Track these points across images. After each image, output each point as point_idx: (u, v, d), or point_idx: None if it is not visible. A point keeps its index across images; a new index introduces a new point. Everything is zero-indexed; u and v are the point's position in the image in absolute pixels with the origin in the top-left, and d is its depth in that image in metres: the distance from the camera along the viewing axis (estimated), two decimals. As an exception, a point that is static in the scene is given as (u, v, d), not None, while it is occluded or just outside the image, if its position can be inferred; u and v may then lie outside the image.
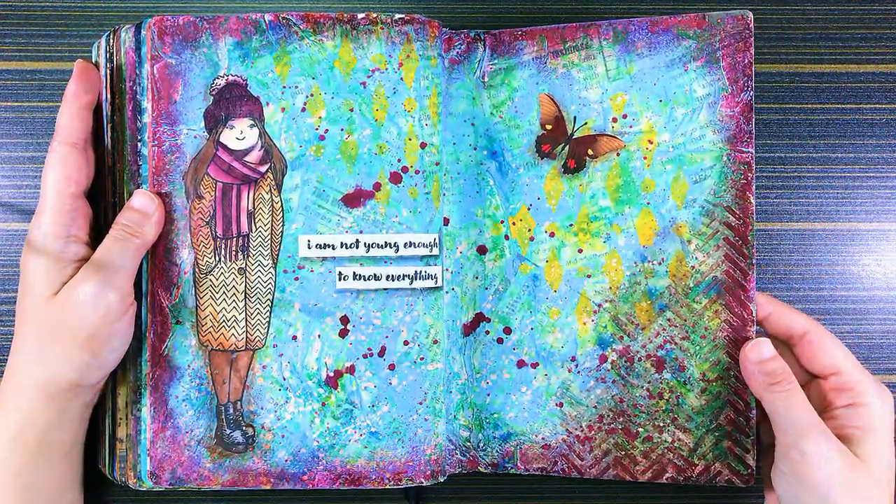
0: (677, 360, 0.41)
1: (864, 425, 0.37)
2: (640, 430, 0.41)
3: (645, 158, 0.41)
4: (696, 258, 0.40)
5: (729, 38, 0.40)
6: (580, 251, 0.41)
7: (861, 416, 0.37)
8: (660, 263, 0.41)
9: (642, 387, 0.41)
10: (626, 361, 0.41)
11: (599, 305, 0.41)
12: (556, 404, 0.41)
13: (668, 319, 0.41)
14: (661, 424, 0.41)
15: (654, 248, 0.41)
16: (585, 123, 0.41)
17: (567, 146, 0.41)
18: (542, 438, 0.42)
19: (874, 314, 0.45)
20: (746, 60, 0.40)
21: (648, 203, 0.41)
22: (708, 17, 0.40)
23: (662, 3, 0.45)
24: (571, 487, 0.45)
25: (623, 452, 0.41)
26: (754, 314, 0.40)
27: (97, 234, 0.40)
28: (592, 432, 0.41)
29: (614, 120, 0.41)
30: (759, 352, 0.38)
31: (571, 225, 0.41)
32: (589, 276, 0.41)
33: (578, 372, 0.41)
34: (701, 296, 0.40)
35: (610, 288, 0.41)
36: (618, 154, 0.41)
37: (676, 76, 0.40)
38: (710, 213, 0.40)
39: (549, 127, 0.41)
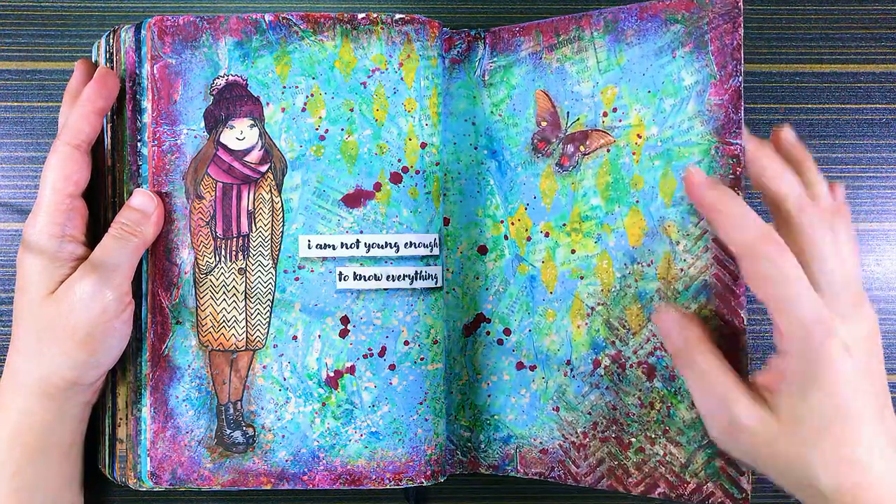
0: (668, 369, 0.39)
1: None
2: (633, 440, 0.39)
3: (634, 154, 0.39)
4: (685, 260, 0.38)
5: (717, 18, 0.38)
6: (573, 251, 0.41)
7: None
8: (649, 265, 0.39)
9: (634, 395, 0.40)
10: (618, 367, 0.40)
11: (592, 308, 0.40)
12: (553, 408, 0.41)
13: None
14: (653, 436, 0.39)
15: (643, 249, 0.39)
16: (578, 119, 0.40)
17: (560, 143, 0.41)
18: (540, 443, 0.41)
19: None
20: (735, 43, 0.37)
21: (637, 201, 0.39)
22: None
23: None
24: (570, 494, 0.45)
25: (616, 462, 0.40)
26: (745, 322, 0.37)
27: (95, 234, 0.40)
28: (587, 439, 0.40)
29: (605, 114, 0.40)
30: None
31: (564, 224, 0.41)
32: (582, 278, 0.40)
33: (574, 376, 0.41)
34: (690, 300, 0.38)
35: (602, 290, 0.40)
36: (608, 150, 0.40)
37: (664, 64, 0.39)
38: (699, 211, 0.38)
39: (544, 124, 0.41)
